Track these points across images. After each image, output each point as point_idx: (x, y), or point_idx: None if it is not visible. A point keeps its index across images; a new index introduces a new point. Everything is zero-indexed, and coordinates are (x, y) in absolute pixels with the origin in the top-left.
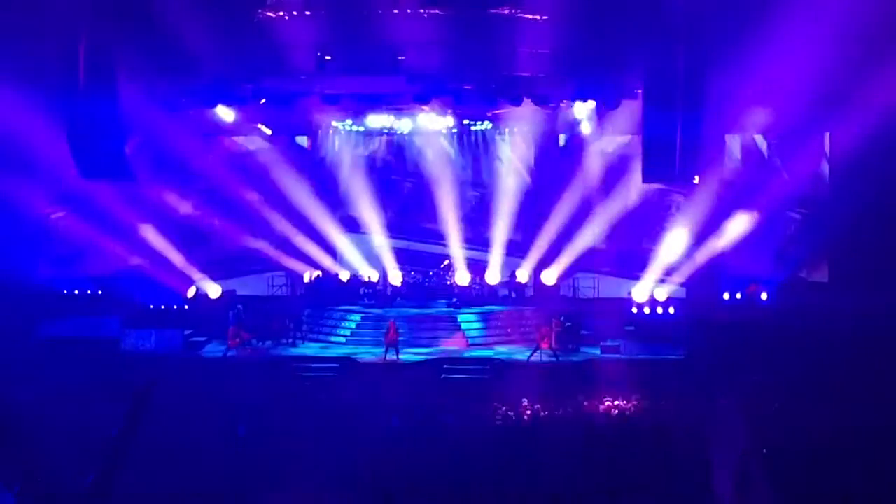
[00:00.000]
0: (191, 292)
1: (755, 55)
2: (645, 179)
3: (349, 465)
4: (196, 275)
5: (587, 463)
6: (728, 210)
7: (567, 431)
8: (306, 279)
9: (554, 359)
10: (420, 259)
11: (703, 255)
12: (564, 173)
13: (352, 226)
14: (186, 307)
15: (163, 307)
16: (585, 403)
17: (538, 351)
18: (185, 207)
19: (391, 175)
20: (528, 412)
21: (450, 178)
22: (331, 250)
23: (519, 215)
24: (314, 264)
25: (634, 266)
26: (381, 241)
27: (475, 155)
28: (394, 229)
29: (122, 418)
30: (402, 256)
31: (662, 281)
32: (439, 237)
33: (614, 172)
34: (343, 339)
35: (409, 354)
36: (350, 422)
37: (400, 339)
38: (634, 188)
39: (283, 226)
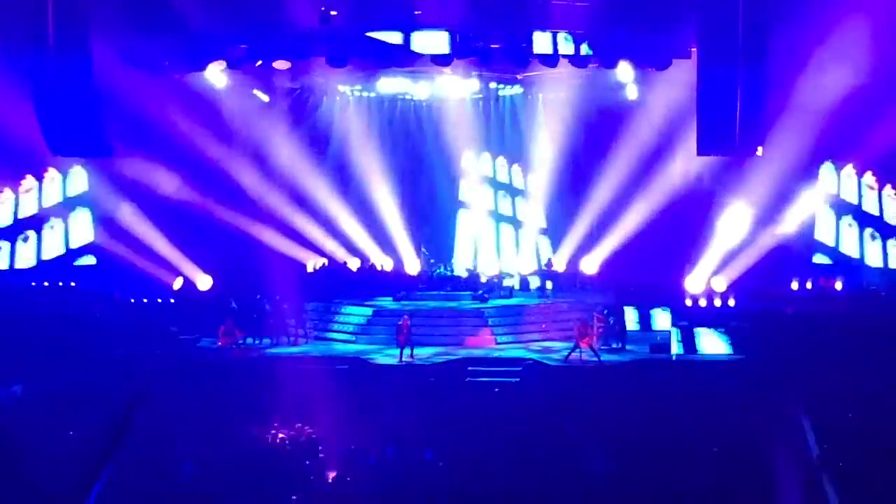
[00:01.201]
0: (177, 283)
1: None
2: (700, 151)
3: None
4: (184, 263)
5: (641, 476)
6: (796, 185)
7: (613, 444)
8: (310, 268)
9: (595, 359)
10: (441, 245)
11: (768, 238)
12: (606, 145)
13: (362, 207)
14: (172, 301)
15: (145, 301)
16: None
17: (577, 350)
18: (169, 185)
19: (408, 147)
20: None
21: (474, 150)
22: (338, 235)
23: (555, 193)
24: (319, 251)
25: (688, 251)
26: (396, 224)
27: (503, 124)
28: (411, 210)
29: (108, 427)
30: (420, 242)
31: (720, 269)
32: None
33: (663, 144)
34: (352, 338)
35: (425, 354)
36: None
37: (413, 336)
38: (687, 162)
39: (284, 208)
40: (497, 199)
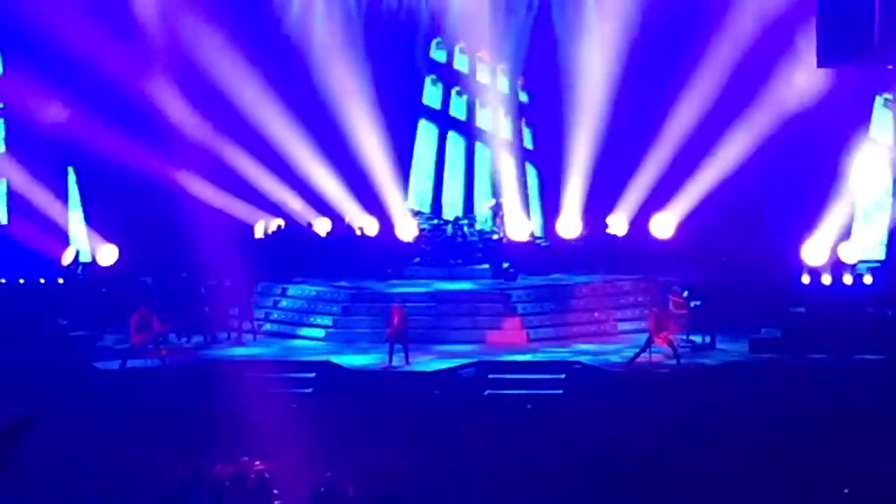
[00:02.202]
0: (67, 257)
1: None
2: (822, 62)
3: None
4: (76, 228)
5: None
6: None
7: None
8: (259, 232)
9: (674, 361)
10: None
11: None
12: (687, 47)
13: (333, 146)
14: (60, 281)
15: (21, 282)
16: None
17: (650, 348)
18: (54, 113)
19: (397, 59)
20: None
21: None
22: (299, 184)
23: (610, 118)
24: (272, 208)
25: (805, 208)
26: (381, 168)
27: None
28: (403, 148)
29: None
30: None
31: (851, 233)
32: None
33: (771, 53)
34: (321, 333)
35: (426, 356)
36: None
37: (410, 330)
38: (806, 78)
39: (222, 148)
40: (523, 129)
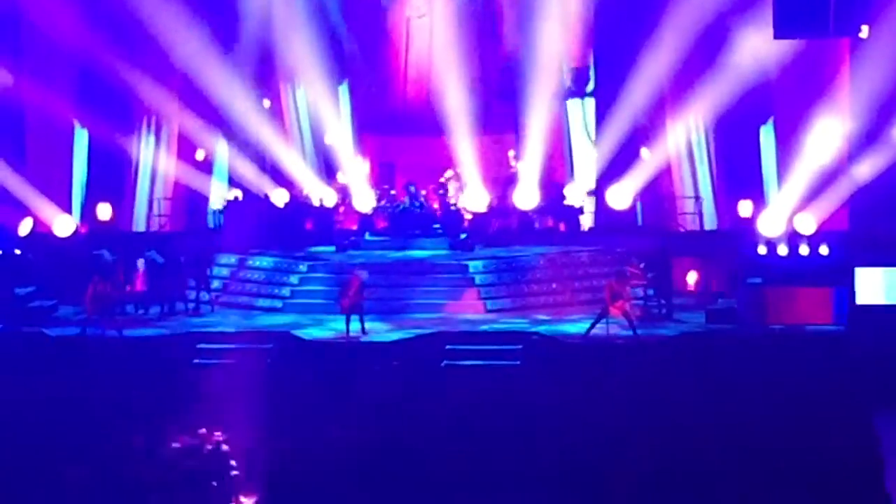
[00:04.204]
0: (24, 227)
1: None
2: (778, 33)
3: None
4: (31, 197)
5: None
6: None
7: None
8: (216, 203)
9: (630, 332)
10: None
11: (878, 159)
12: (645, 15)
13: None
14: (18, 252)
15: None
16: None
17: (605, 320)
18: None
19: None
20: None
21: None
22: (255, 154)
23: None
24: (229, 179)
25: (759, 177)
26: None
27: None
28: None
29: None
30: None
31: (808, 203)
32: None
33: (723, 22)
34: (279, 304)
35: (383, 327)
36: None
37: (365, 300)
38: (757, 48)
39: (177, 116)
40: None
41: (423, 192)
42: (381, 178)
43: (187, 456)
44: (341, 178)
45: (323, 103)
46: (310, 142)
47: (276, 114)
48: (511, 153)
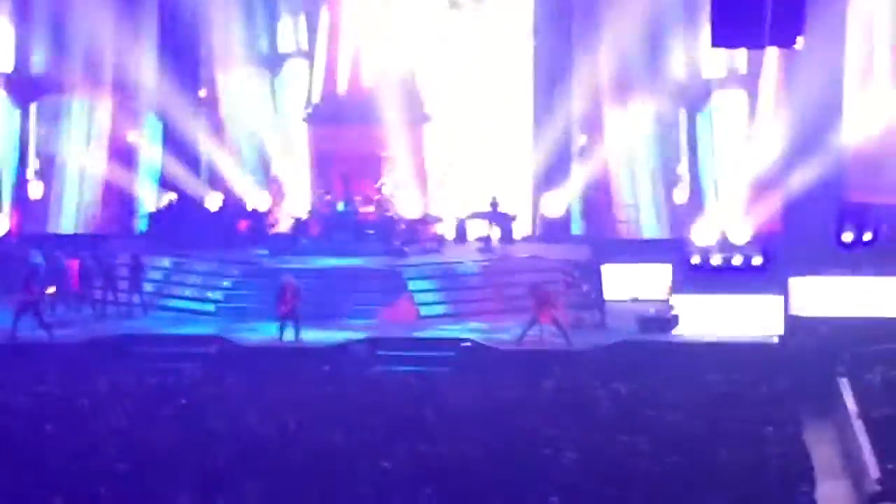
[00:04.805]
0: None
1: None
2: (715, 41)
3: None
4: None
5: None
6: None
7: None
8: (149, 206)
9: (562, 339)
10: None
11: (812, 165)
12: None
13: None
14: None
15: None
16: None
17: (536, 326)
18: None
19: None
20: None
21: None
22: (189, 156)
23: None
24: (163, 182)
25: (693, 184)
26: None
27: None
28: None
29: None
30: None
31: (741, 211)
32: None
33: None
34: (211, 308)
35: (317, 333)
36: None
37: (301, 305)
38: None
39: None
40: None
41: (358, 198)
42: (319, 167)
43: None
44: (276, 171)
45: (260, 93)
46: (245, 134)
47: (212, 104)
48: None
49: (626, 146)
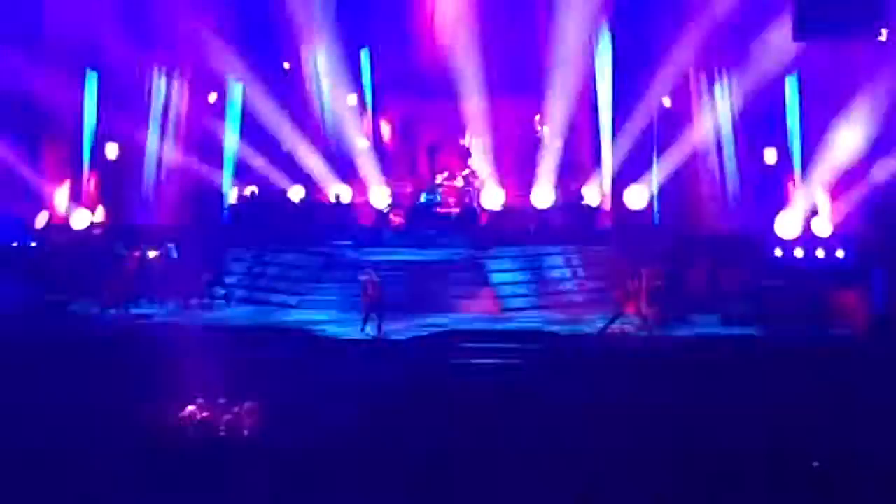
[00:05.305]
0: (40, 220)
1: None
2: (797, 36)
3: None
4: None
5: None
6: None
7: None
8: (231, 198)
9: (645, 332)
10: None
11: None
12: (663, 18)
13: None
14: (34, 244)
15: None
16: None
17: (620, 318)
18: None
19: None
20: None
21: None
22: (270, 148)
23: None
24: (244, 175)
25: (778, 178)
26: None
27: None
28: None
29: None
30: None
31: (825, 205)
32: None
33: (747, 21)
34: (294, 301)
35: (400, 327)
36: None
37: (385, 298)
38: (780, 50)
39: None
40: None
41: (441, 190)
42: (403, 139)
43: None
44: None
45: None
46: (329, 108)
47: (297, 78)
48: (537, 117)
49: (713, 137)
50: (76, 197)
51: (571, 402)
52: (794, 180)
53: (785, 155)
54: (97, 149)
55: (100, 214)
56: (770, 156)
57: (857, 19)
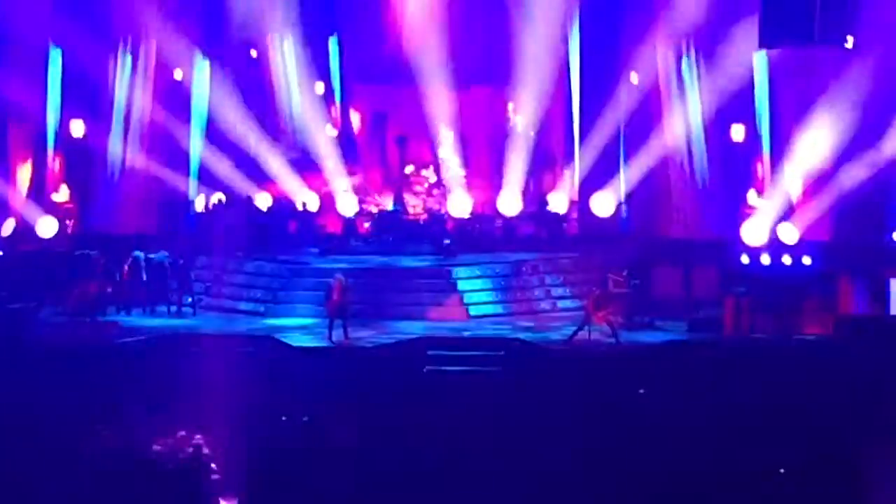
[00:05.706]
0: (7, 228)
1: None
2: (763, 42)
3: None
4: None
5: None
6: None
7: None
8: (199, 206)
9: (612, 339)
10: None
11: (862, 166)
12: (631, 23)
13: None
14: (0, 254)
15: None
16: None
17: (587, 327)
18: None
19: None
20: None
21: None
22: (238, 154)
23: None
24: (210, 180)
25: (744, 185)
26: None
27: None
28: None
29: None
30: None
31: (791, 212)
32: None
33: (712, 29)
34: (262, 308)
35: (367, 334)
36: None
37: (351, 304)
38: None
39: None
40: None
41: (407, 198)
42: (373, 129)
43: (167, 459)
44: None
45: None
46: (297, 96)
47: (263, 66)
48: (510, 106)
49: (683, 143)
50: (40, 178)
51: (537, 409)
52: (762, 161)
53: (753, 134)
54: (62, 129)
55: (64, 194)
56: (738, 133)
57: (822, 27)
